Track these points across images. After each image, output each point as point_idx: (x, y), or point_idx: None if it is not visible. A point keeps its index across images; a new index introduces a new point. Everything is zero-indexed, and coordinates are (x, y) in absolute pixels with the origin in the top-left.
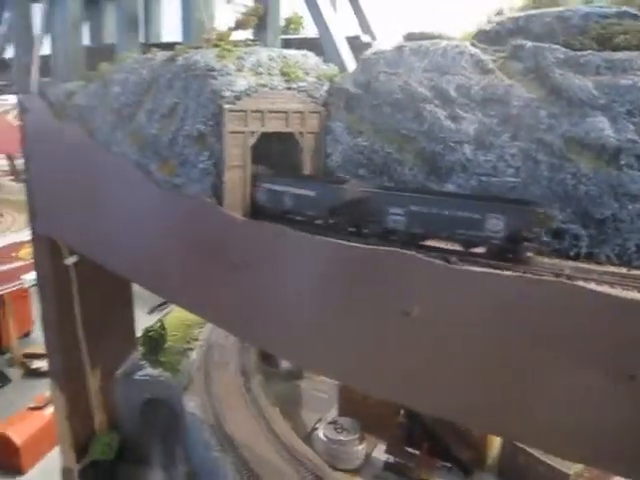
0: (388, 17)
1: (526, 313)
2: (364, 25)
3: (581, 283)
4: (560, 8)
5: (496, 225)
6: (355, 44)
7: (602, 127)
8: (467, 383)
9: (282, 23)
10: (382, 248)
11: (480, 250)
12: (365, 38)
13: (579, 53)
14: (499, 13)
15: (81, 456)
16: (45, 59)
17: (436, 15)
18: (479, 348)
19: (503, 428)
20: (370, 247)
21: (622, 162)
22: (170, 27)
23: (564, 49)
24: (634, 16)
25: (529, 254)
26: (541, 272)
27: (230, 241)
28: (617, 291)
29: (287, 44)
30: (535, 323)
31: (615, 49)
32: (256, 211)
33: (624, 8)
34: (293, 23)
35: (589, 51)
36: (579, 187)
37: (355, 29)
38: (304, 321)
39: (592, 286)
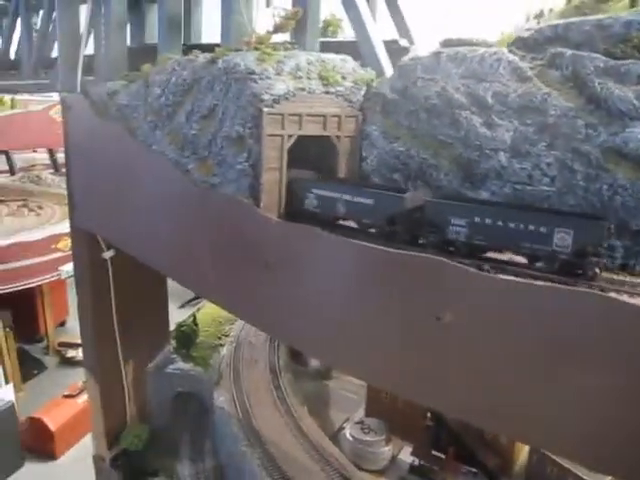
0: (427, 21)
1: (557, 323)
2: (402, 29)
3: (614, 295)
4: (600, 16)
5: (564, 240)
6: (393, 48)
7: None
8: (495, 389)
9: (320, 25)
10: (414, 253)
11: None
12: (403, 42)
13: (620, 62)
14: (539, 16)
15: (113, 445)
16: (88, 58)
17: (474, 18)
18: (509, 355)
19: (531, 436)
20: (402, 252)
21: None
22: (211, 28)
23: (604, 58)
24: None
25: (596, 269)
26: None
27: (264, 241)
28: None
29: (325, 47)
30: (566, 333)
31: None
32: (301, 216)
33: None
34: (332, 25)
35: (630, 60)
36: (615, 198)
37: (393, 33)
38: (335, 321)
39: (625, 298)
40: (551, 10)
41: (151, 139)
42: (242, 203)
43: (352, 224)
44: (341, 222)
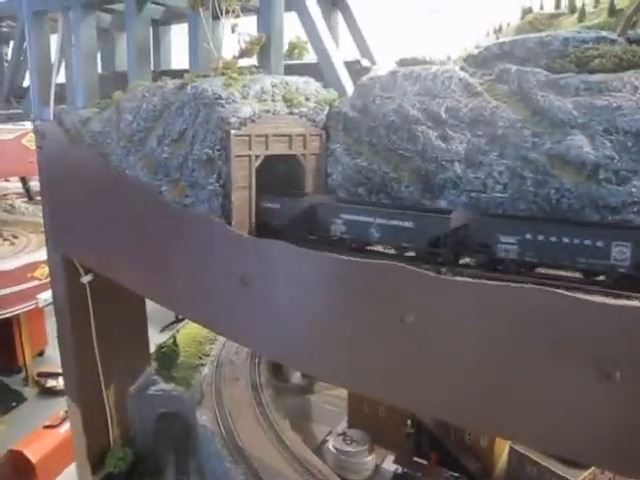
0: (388, 41)
1: (510, 318)
2: (363, 49)
3: (561, 290)
4: (541, 34)
5: (622, 253)
6: (355, 68)
7: (581, 145)
8: (461, 385)
9: (286, 47)
10: (377, 261)
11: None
12: (365, 62)
13: (559, 76)
14: (498, 31)
15: (97, 470)
16: (60, 87)
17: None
18: (469, 353)
19: (499, 428)
20: (367, 260)
21: (601, 177)
22: (180, 54)
23: (545, 72)
24: (611, 41)
25: None
26: None
27: (237, 257)
28: (592, 296)
29: (290, 70)
30: (520, 328)
31: (592, 72)
32: (326, 243)
33: (603, 33)
34: (297, 48)
35: (568, 74)
36: (562, 201)
37: (355, 53)
38: (307, 330)
39: (569, 293)
40: (508, 25)
41: (125, 164)
42: (214, 221)
43: (382, 248)
44: (373, 247)
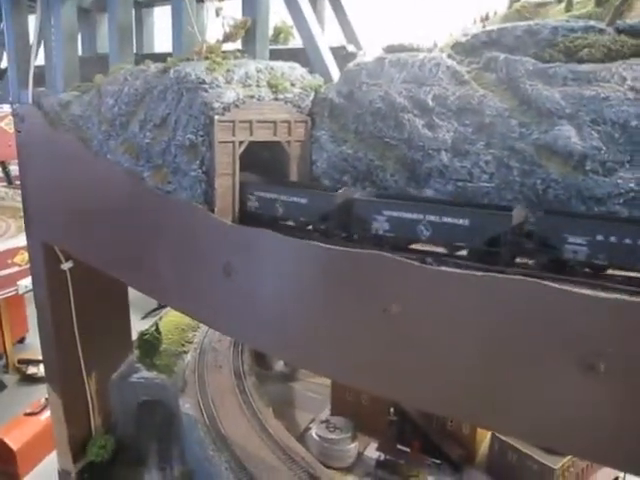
0: (375, 26)
1: (494, 308)
2: (350, 35)
3: (547, 282)
4: (530, 22)
5: None
6: (341, 54)
7: (569, 135)
8: (443, 376)
9: (271, 32)
10: (359, 250)
11: None
12: (351, 48)
13: (547, 65)
14: (485, 19)
15: (78, 458)
16: (40, 69)
17: (425, 22)
18: (454, 343)
19: (484, 420)
20: (348, 249)
21: (587, 168)
22: (164, 37)
23: (534, 61)
24: (600, 30)
25: None
26: None
27: (220, 245)
28: (574, 287)
29: (275, 55)
30: (504, 318)
31: (580, 61)
32: (366, 242)
33: (591, 23)
34: (283, 32)
35: (557, 63)
36: (548, 191)
37: (341, 39)
38: (292, 319)
39: (554, 284)
40: (495, 13)
41: (105, 149)
42: (196, 209)
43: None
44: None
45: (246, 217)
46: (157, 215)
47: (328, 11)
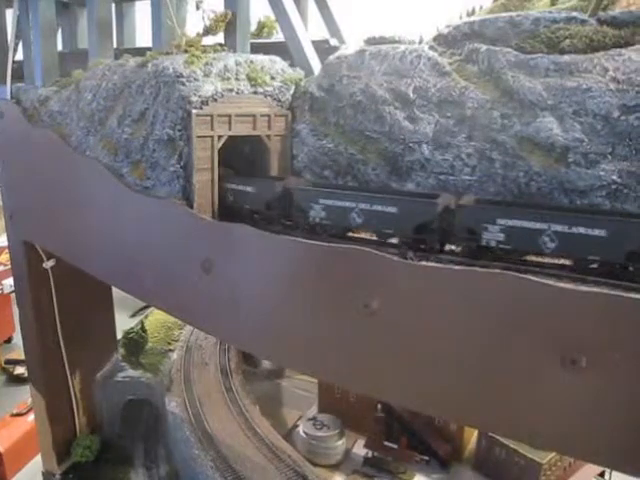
0: (362, 20)
1: (475, 303)
2: (333, 28)
3: (528, 275)
4: (512, 13)
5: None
6: (324, 47)
7: (551, 127)
8: (424, 372)
9: (254, 27)
10: (339, 245)
11: None
12: (333, 41)
13: (529, 56)
14: (471, 13)
15: (63, 459)
16: (18, 64)
17: (412, 17)
18: (435, 339)
19: (467, 417)
20: (329, 245)
21: (570, 160)
22: (144, 32)
23: (515, 52)
24: (582, 21)
25: None
26: None
27: (199, 242)
28: (554, 281)
29: (257, 48)
30: (485, 313)
31: (562, 52)
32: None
33: (573, 14)
34: (266, 27)
35: (539, 54)
36: (531, 184)
37: (324, 32)
38: (273, 316)
39: (534, 278)
40: (481, 7)
41: (85, 145)
42: (174, 204)
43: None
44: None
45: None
46: (136, 212)
47: (312, 5)
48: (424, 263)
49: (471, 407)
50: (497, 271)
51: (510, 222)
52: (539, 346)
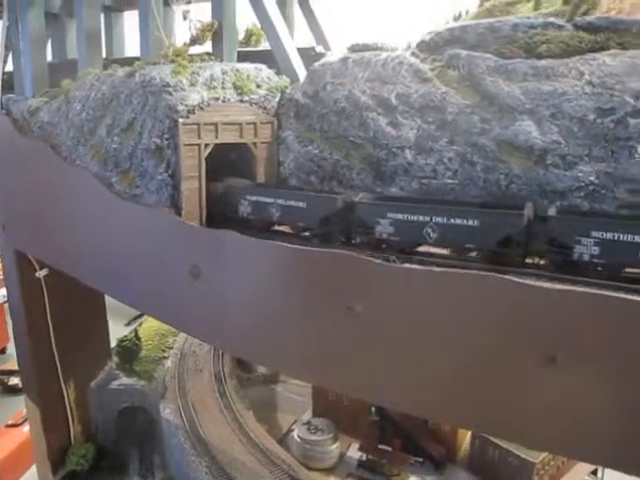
0: (347, 27)
1: (456, 305)
2: (319, 36)
3: (508, 276)
4: (492, 19)
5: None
6: (310, 55)
7: (529, 130)
8: (407, 373)
9: (242, 35)
10: (322, 249)
11: None
12: (319, 49)
13: (508, 61)
14: (458, 18)
15: (57, 468)
16: (8, 75)
17: (398, 23)
18: (418, 340)
19: (452, 417)
20: (314, 249)
21: (548, 162)
22: (133, 42)
23: (495, 57)
24: (559, 27)
25: None
26: None
27: (187, 248)
28: (534, 281)
29: (244, 57)
30: (465, 314)
31: (539, 57)
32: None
33: (551, 19)
34: (254, 35)
35: (517, 59)
36: (511, 186)
37: (310, 40)
38: (259, 323)
39: (515, 278)
40: (467, 12)
41: (74, 155)
42: (163, 212)
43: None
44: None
45: None
46: (125, 220)
47: (298, 13)
48: (406, 265)
49: (455, 407)
50: (477, 272)
51: (399, 216)
52: (522, 345)
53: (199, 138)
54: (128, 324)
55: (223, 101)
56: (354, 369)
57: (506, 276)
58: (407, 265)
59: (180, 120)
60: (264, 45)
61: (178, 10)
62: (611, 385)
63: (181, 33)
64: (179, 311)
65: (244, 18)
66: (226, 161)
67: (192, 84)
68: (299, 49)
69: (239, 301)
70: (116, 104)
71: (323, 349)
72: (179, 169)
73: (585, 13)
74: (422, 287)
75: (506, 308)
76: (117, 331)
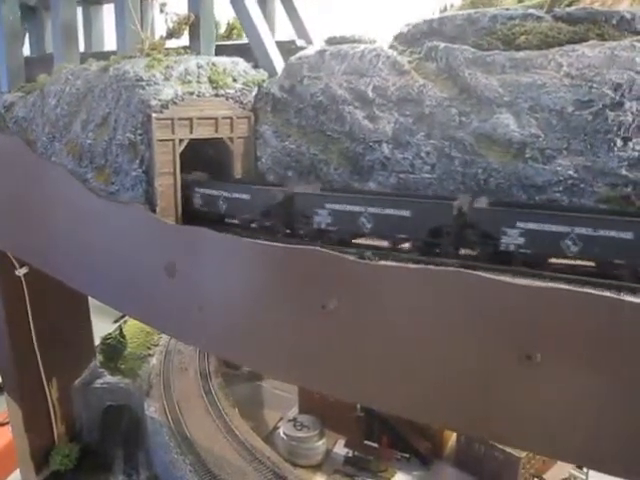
0: (326, 20)
1: (431, 302)
2: (299, 29)
3: (479, 272)
4: (470, 11)
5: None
6: (290, 48)
7: (507, 123)
8: (383, 371)
9: (224, 29)
10: (297, 246)
11: None
12: (300, 42)
13: (486, 53)
14: (443, 11)
15: (41, 469)
16: None
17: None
18: (393, 338)
19: (429, 416)
20: (287, 245)
21: (527, 156)
22: (112, 36)
23: (473, 49)
24: (538, 18)
25: None
26: None
27: (162, 246)
28: (510, 278)
29: (223, 50)
30: (440, 311)
31: (518, 49)
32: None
33: (530, 10)
34: (236, 28)
35: (495, 51)
36: (490, 180)
37: (290, 33)
38: (236, 320)
39: (486, 274)
40: (452, 5)
41: (50, 150)
42: (137, 209)
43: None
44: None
45: None
46: (101, 217)
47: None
48: (381, 262)
49: (433, 407)
50: (451, 269)
51: (336, 207)
52: (496, 343)
53: (173, 133)
54: (116, 321)
55: (198, 95)
56: (330, 368)
57: (482, 273)
58: (382, 262)
59: (153, 115)
60: (245, 39)
61: (155, 3)
62: (589, 383)
63: (160, 27)
64: (154, 308)
65: (226, 12)
66: (204, 157)
67: (166, 78)
68: (279, 43)
69: (215, 298)
70: (90, 99)
71: (299, 349)
72: (153, 165)
73: (570, 4)
74: (398, 284)
75: (483, 305)
76: (105, 329)
